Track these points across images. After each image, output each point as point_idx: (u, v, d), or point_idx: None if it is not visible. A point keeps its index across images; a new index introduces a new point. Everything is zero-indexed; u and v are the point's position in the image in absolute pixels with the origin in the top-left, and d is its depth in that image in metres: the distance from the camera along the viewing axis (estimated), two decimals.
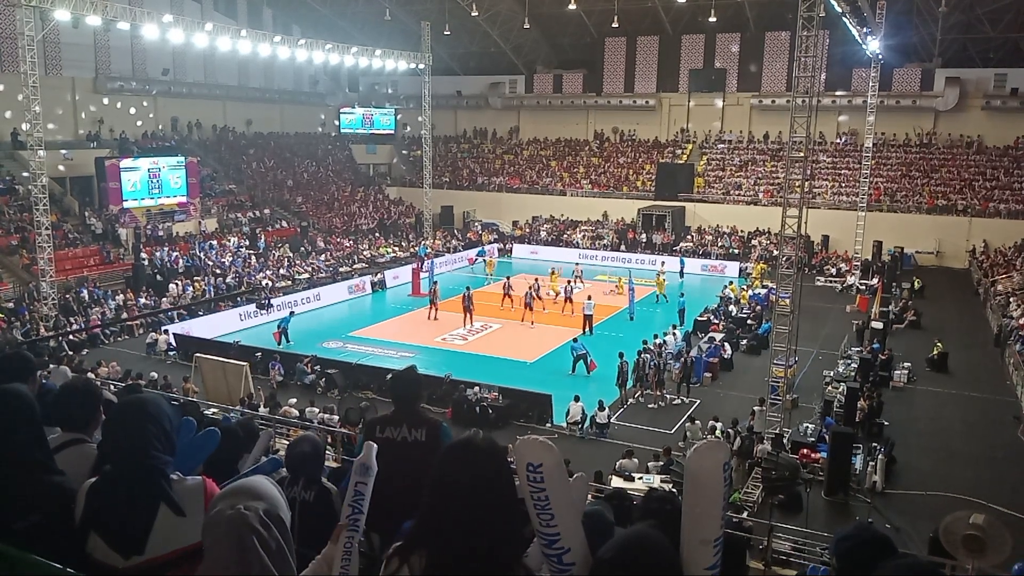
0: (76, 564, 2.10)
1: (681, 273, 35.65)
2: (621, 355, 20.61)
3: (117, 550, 2.13)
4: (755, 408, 17.99)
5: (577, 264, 35.77)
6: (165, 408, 2.34)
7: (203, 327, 26.05)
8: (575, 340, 23.30)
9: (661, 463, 15.26)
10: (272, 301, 29.18)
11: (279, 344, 24.73)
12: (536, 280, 29.86)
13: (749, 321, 27.35)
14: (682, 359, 21.45)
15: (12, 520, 2.16)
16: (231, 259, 33.84)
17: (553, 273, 32.65)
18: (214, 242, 34.97)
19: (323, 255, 37.30)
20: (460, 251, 41.35)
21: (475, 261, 38.84)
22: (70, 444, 2.75)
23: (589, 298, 27.57)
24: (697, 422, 17.67)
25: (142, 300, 28.47)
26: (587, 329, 26.25)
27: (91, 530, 2.16)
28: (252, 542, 1.71)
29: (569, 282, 31.03)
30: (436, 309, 28.43)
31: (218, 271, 32.34)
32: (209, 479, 2.34)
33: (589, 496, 2.84)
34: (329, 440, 14.58)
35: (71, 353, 22.99)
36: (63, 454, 2.59)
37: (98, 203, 34.00)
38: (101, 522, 2.15)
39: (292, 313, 26.73)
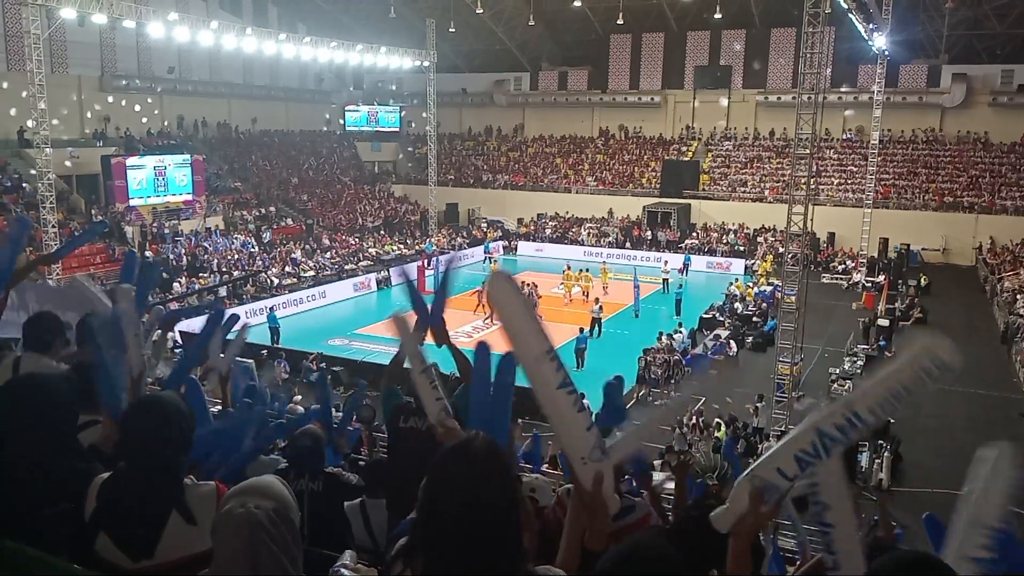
0: (87, 558, 2.11)
1: (683, 271, 35.56)
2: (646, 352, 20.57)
3: (126, 552, 2.12)
4: (757, 405, 17.95)
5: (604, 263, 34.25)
6: (182, 408, 2.32)
7: None
8: (581, 331, 22.97)
9: (664, 459, 15.25)
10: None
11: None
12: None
13: (755, 318, 27.31)
14: (675, 358, 21.37)
15: (40, 507, 2.14)
16: (236, 256, 33.90)
17: (568, 270, 32.03)
18: (221, 239, 35.03)
19: (328, 252, 37.33)
20: (465, 248, 41.32)
21: (483, 259, 38.79)
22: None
23: (597, 301, 27.38)
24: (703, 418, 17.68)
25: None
26: (595, 331, 25.84)
27: (101, 528, 2.15)
28: (262, 541, 1.71)
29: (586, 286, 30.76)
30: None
31: (223, 269, 32.38)
32: (222, 485, 2.30)
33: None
34: None
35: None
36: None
37: (104, 201, 34.05)
38: (112, 522, 2.15)
39: (272, 309, 26.65)
